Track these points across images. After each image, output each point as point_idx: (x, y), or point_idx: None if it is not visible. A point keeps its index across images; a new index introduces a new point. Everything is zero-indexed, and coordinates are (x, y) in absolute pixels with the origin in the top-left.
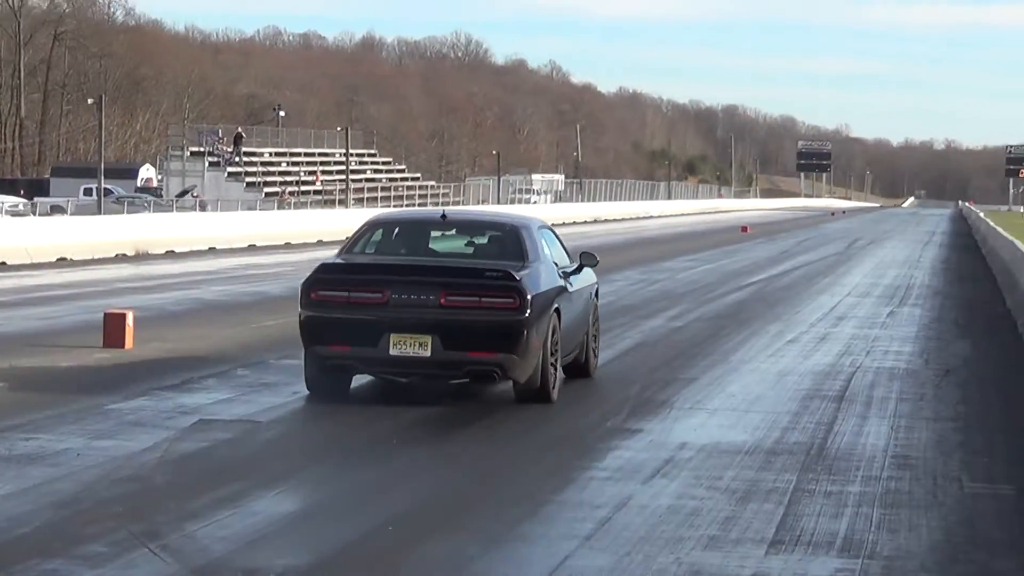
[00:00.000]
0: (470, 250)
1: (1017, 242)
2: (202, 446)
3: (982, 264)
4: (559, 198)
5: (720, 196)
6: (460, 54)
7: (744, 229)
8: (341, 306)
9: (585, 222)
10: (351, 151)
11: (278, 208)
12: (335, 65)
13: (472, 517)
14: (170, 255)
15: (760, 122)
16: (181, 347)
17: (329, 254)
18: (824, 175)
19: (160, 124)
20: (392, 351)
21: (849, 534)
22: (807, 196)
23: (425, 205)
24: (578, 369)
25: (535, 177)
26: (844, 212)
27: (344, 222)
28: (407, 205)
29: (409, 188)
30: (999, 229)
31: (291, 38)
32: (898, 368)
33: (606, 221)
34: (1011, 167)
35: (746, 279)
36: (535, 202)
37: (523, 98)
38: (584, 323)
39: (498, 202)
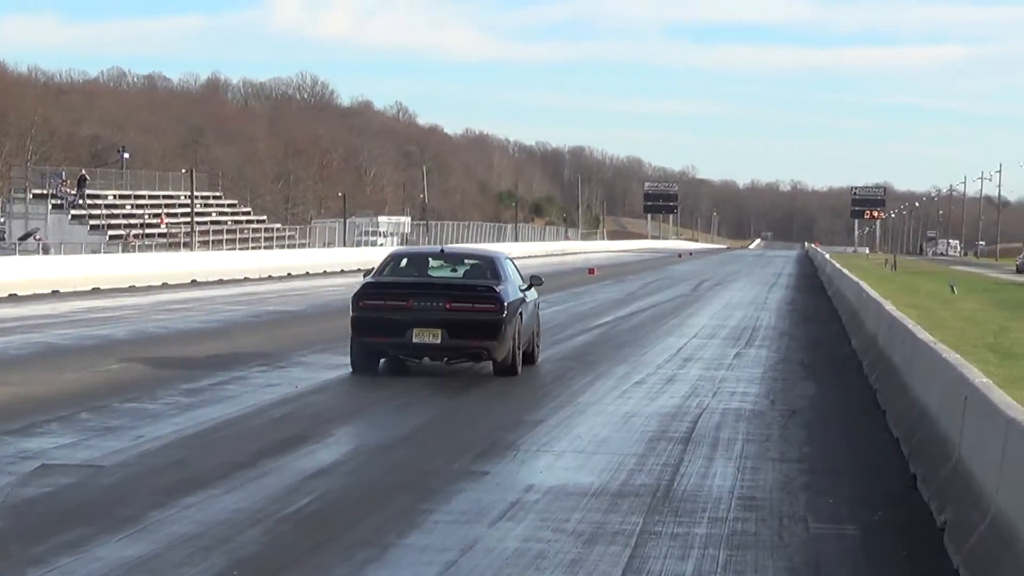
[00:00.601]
0: (460, 273)
1: (862, 284)
2: (45, 491)
3: (828, 305)
4: (405, 240)
5: (567, 238)
6: (306, 95)
7: (591, 271)
8: (379, 310)
9: None
10: (196, 193)
11: (123, 251)
12: (180, 106)
13: (318, 562)
14: (12, 299)
15: (607, 163)
16: (23, 391)
17: (173, 297)
18: (671, 216)
19: (2, 166)
20: (415, 340)
21: None
22: (654, 238)
23: (271, 247)
24: (528, 357)
25: (382, 219)
26: (691, 254)
27: (189, 265)
28: (253, 247)
29: (255, 231)
30: (845, 271)
31: (135, 79)
32: (744, 409)
33: None
34: (856, 208)
35: (593, 321)
36: (382, 244)
37: (369, 139)
38: (533, 324)
39: (344, 244)
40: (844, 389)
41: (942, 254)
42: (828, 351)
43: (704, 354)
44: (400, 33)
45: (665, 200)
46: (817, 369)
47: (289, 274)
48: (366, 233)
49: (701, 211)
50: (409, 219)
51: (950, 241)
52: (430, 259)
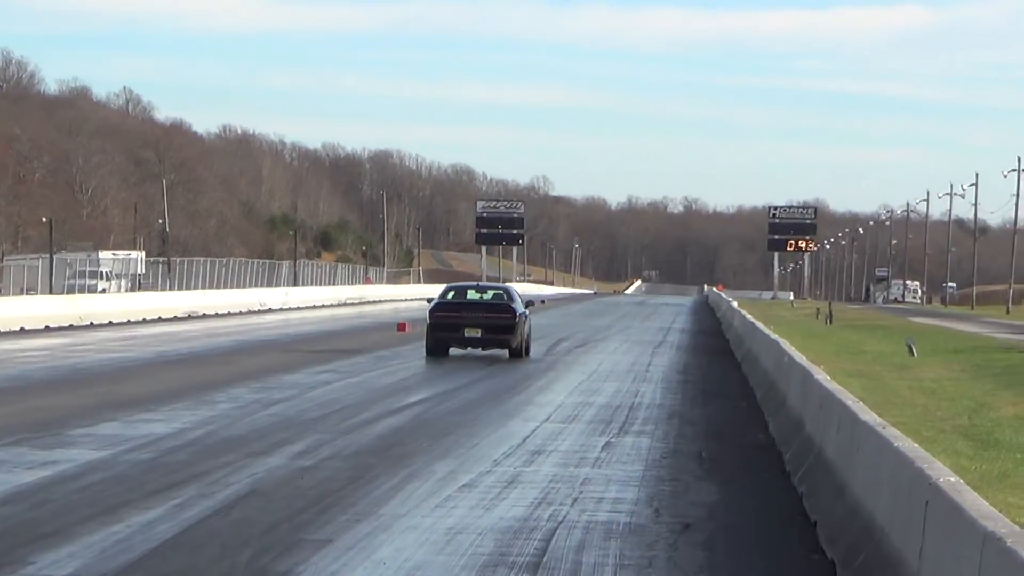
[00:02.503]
0: (490, 296)
1: (783, 343)
2: None
3: (736, 374)
4: (138, 284)
5: (368, 280)
6: None
7: (402, 327)
8: (445, 317)
9: (175, 318)
10: None
11: None
12: None
13: None
14: None
15: (424, 175)
16: None
17: None
18: (515, 249)
19: None
20: (466, 334)
21: None
22: (491, 279)
23: None
24: (522, 352)
25: (104, 255)
26: (543, 301)
27: None
28: None
29: None
30: (759, 325)
31: None
32: (617, 522)
33: (205, 317)
34: (776, 237)
35: (404, 398)
36: (103, 290)
37: (86, 142)
38: (528, 329)
39: (50, 291)
40: (758, 493)
41: (897, 301)
42: (735, 439)
43: (560, 445)
44: None
45: (506, 226)
46: (720, 465)
47: None
48: (82, 274)
49: (558, 242)
50: (143, 254)
51: (908, 283)
52: (469, 290)
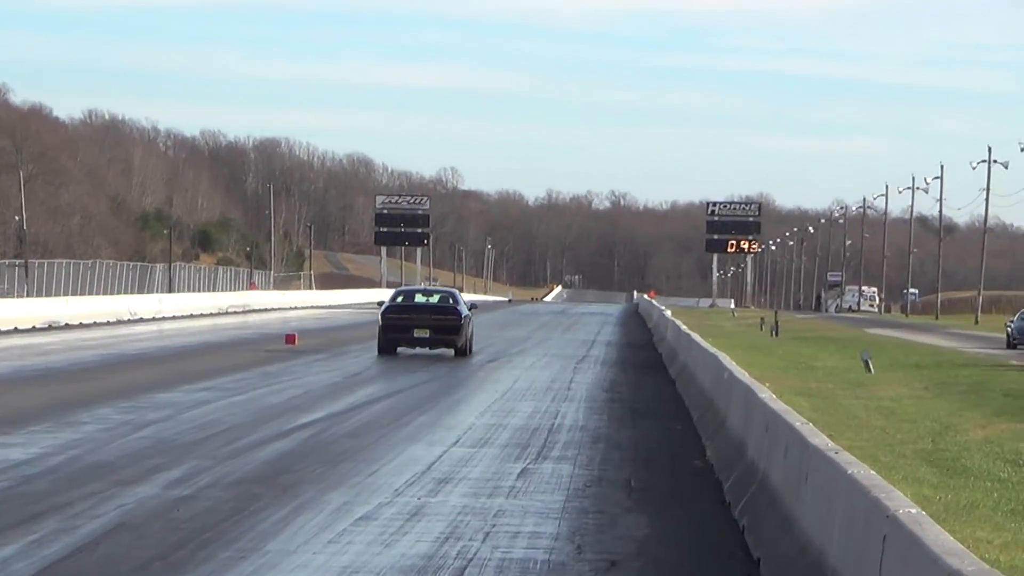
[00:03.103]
0: (436, 299)
1: (723, 358)
2: None
3: (669, 392)
4: None
5: (253, 286)
6: None
7: (291, 339)
8: (395, 319)
9: (33, 329)
10: None
11: None
12: None
13: None
14: None
15: (317, 166)
16: None
17: None
18: (419, 251)
19: None
20: (416, 335)
21: None
22: (392, 285)
23: None
24: (470, 349)
25: None
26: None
27: None
28: None
29: None
30: (695, 337)
31: None
32: (534, 560)
33: (67, 327)
34: (715, 237)
35: (294, 419)
36: None
37: None
38: (472, 330)
39: None
40: (694, 526)
41: (851, 309)
42: (669, 465)
43: (471, 472)
44: None
45: (409, 224)
46: (651, 495)
47: None
48: None
49: (468, 242)
50: None
51: (864, 289)
52: (416, 294)
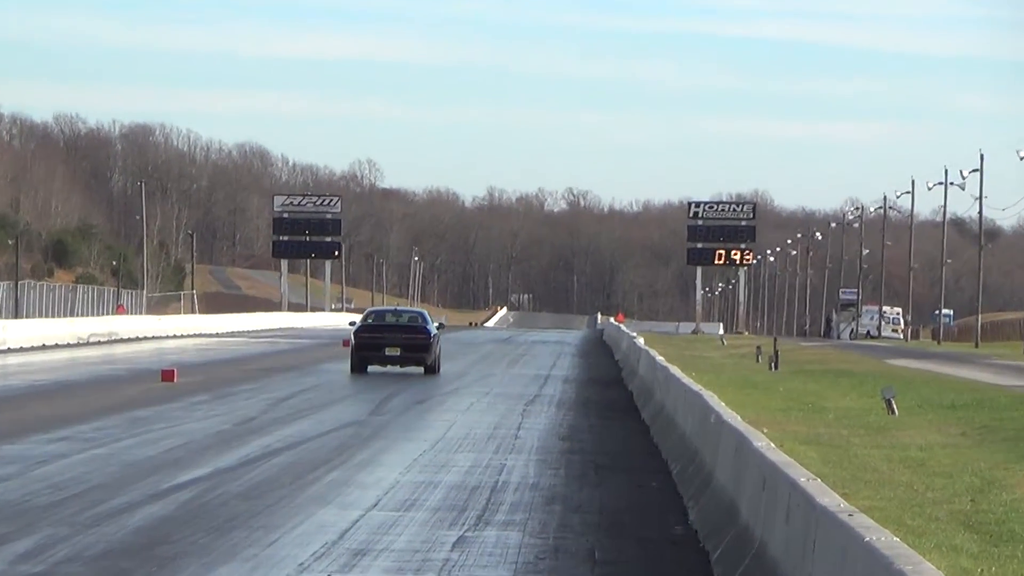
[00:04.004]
0: (405, 319)
1: (709, 396)
2: None
3: (642, 440)
4: None
5: (121, 310)
6: None
7: (169, 375)
8: (368, 339)
9: None
10: None
11: None
12: None
13: None
14: None
15: (200, 159)
16: None
17: None
18: (328, 264)
19: None
20: (387, 353)
21: None
22: (296, 307)
23: None
24: (436, 369)
25: None
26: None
27: None
28: None
29: None
30: (674, 371)
31: None
32: None
33: None
34: (699, 246)
35: (173, 476)
36: None
37: None
38: (439, 348)
39: None
40: None
41: (869, 335)
42: (641, 532)
43: (394, 541)
44: None
45: (316, 232)
46: (621, 570)
47: None
48: None
49: (389, 253)
50: None
51: (885, 310)
52: (387, 314)
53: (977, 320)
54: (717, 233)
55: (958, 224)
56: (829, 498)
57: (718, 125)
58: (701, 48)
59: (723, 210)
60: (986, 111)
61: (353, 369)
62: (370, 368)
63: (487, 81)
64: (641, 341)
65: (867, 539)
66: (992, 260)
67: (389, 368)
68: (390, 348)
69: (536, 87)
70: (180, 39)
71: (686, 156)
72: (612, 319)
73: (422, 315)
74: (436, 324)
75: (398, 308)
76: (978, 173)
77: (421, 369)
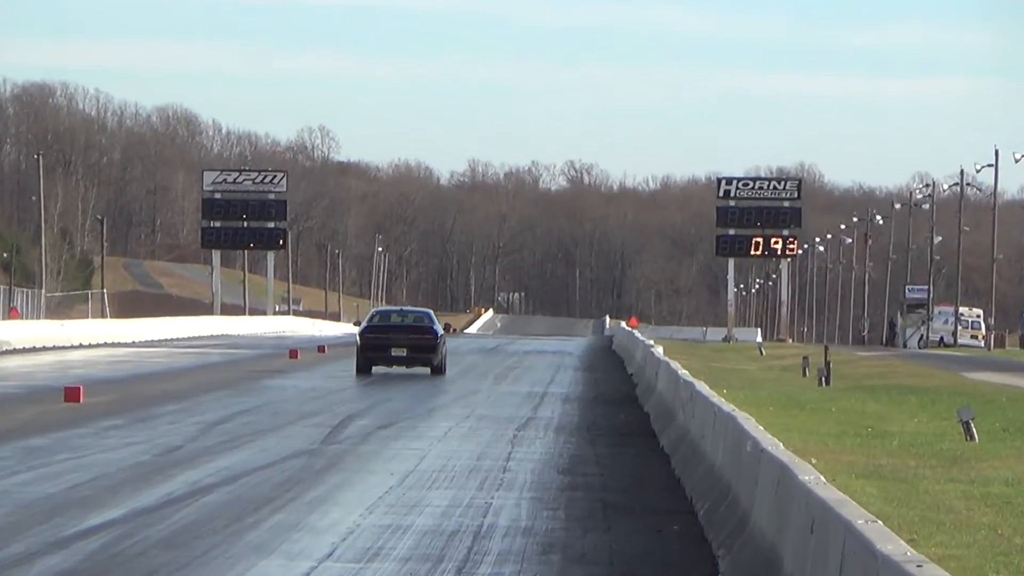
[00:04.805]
0: (411, 320)
1: (743, 419)
2: None
3: (661, 472)
4: None
5: (14, 313)
6: None
7: (74, 394)
8: (373, 339)
9: None
10: None
11: None
12: None
13: None
14: None
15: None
16: None
17: None
18: (270, 256)
19: None
20: (393, 353)
21: None
22: (233, 309)
23: None
24: (441, 369)
25: None
26: (324, 349)
27: None
28: None
29: None
30: (700, 388)
31: None
32: None
33: None
34: (731, 233)
35: (80, 519)
36: None
37: None
38: (446, 350)
39: None
40: None
41: (943, 342)
42: None
43: None
44: None
45: (256, 217)
46: None
47: None
48: None
49: (347, 242)
50: None
51: (963, 312)
52: (392, 315)
53: None
54: (754, 217)
55: None
56: (893, 545)
57: (754, 82)
58: None
59: (761, 188)
60: None
61: (359, 370)
62: (374, 370)
63: (466, 29)
64: (660, 351)
65: None
66: None
67: (395, 369)
68: (396, 348)
69: (527, 36)
70: None
71: (714, 121)
72: (624, 324)
73: (428, 315)
74: (443, 326)
75: (404, 308)
76: None
77: (428, 370)
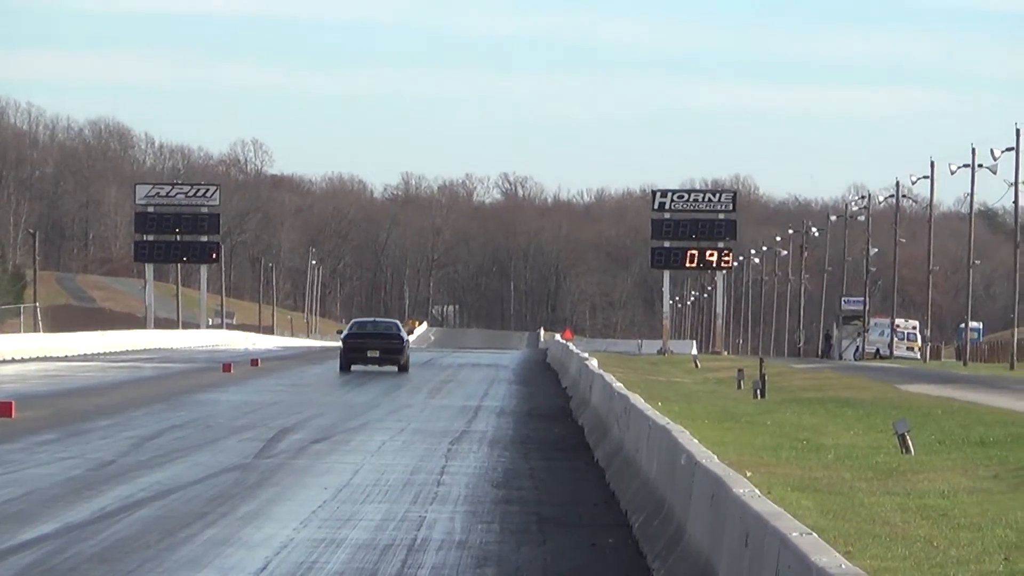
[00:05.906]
0: (382, 328)
1: (678, 431)
2: None
3: (596, 486)
4: None
5: None
6: None
7: (5, 409)
8: (354, 343)
9: None
10: None
11: None
12: None
13: None
14: None
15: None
16: None
17: None
18: (204, 270)
19: None
20: (369, 355)
21: None
22: (164, 323)
23: None
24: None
25: None
26: (258, 363)
27: None
28: None
29: None
30: (635, 401)
31: None
32: None
33: None
34: (666, 245)
35: (11, 535)
36: None
37: None
38: (409, 351)
39: None
40: None
41: (879, 354)
42: None
43: None
44: None
45: (189, 230)
46: None
47: None
48: None
49: (280, 256)
50: None
51: (899, 324)
52: (367, 324)
53: (1013, 335)
54: (689, 229)
55: (989, 216)
56: (828, 557)
57: (688, 94)
58: None
59: (696, 200)
60: (1022, 77)
61: (342, 368)
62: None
63: (399, 41)
64: (594, 363)
65: None
66: None
67: (370, 367)
68: (371, 351)
69: (460, 48)
70: None
71: (649, 134)
72: (558, 336)
73: (396, 325)
74: (407, 331)
75: (377, 320)
76: (1013, 152)
77: (395, 368)
